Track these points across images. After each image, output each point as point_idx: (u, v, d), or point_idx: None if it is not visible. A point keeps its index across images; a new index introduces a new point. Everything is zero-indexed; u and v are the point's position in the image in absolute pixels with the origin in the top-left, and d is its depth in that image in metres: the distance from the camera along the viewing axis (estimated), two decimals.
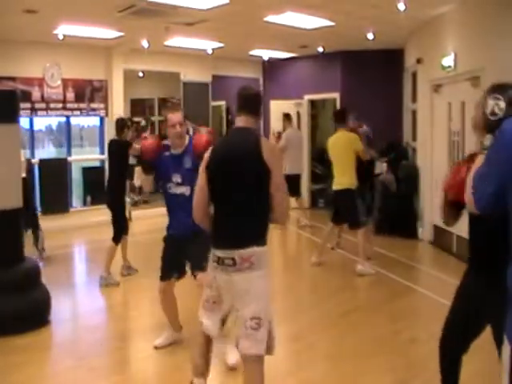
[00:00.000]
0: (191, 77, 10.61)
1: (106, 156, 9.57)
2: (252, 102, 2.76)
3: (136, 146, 5.74)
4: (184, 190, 3.72)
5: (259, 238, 2.61)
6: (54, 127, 12.63)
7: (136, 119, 6.83)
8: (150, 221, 8.85)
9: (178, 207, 3.79)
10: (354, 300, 5.34)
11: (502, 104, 1.73)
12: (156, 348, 3.98)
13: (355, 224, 6.12)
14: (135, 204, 10.73)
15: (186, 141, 3.84)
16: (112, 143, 6.00)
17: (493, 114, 1.72)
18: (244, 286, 2.57)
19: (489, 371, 3.66)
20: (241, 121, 2.74)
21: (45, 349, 4.21)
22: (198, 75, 10.69)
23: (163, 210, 7.31)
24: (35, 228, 6.73)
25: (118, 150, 5.80)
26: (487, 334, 4.36)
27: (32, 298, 4.46)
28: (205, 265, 3.12)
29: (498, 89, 1.77)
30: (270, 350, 2.59)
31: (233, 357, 3.51)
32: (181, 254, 3.84)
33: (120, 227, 5.89)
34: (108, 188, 6.10)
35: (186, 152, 3.78)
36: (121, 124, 5.94)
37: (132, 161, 6.15)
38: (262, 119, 2.90)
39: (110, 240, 5.86)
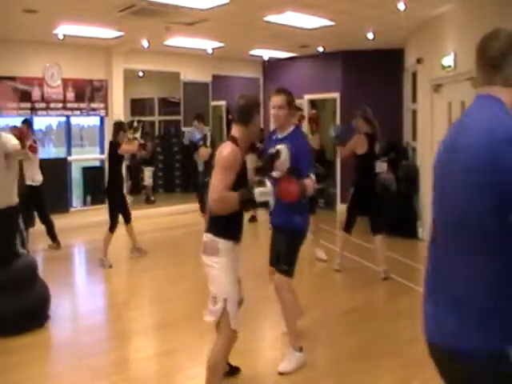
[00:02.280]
0: (191, 76, 10.61)
1: (105, 156, 9.62)
2: (240, 113, 3.10)
3: (124, 146, 6.49)
4: (275, 175, 3.57)
5: (214, 229, 3.06)
6: (54, 127, 12.63)
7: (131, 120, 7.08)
8: (151, 220, 8.86)
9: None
10: (354, 300, 5.34)
11: None
12: None
13: None
14: (147, 201, 10.98)
15: (291, 128, 3.82)
16: (109, 144, 6.64)
17: None
18: (206, 267, 3.11)
19: None
20: (232, 130, 3.14)
21: (44, 348, 4.21)
22: (198, 75, 10.69)
23: (166, 209, 7.36)
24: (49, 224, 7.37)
25: (111, 150, 6.52)
26: None
27: (30, 295, 4.46)
28: (285, 268, 3.69)
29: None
30: (225, 320, 3.02)
31: (282, 365, 3.69)
32: (275, 246, 3.90)
33: (114, 218, 6.54)
34: (106, 184, 6.78)
35: (286, 138, 3.74)
36: (116, 127, 6.62)
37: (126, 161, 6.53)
38: (257, 123, 3.17)
39: (107, 229, 6.56)
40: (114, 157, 6.50)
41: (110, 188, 6.66)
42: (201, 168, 7.07)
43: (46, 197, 7.39)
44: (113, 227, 6.53)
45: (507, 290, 1.54)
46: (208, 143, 6.88)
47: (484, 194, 1.53)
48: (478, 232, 1.56)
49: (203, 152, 6.82)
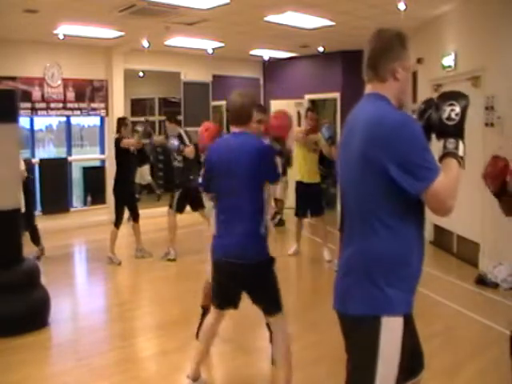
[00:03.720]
0: (192, 76, 10.61)
1: (106, 156, 9.66)
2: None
3: (126, 140, 6.55)
4: None
5: None
6: (55, 127, 12.63)
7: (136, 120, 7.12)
8: (151, 220, 8.85)
9: None
10: None
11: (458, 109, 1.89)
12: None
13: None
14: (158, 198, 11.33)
15: None
16: (115, 140, 6.76)
17: (449, 119, 1.88)
18: None
19: (493, 370, 3.67)
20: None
21: (45, 349, 4.21)
22: (199, 75, 10.69)
23: (166, 209, 7.32)
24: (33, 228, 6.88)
25: (115, 145, 6.67)
26: (492, 333, 4.36)
27: (32, 299, 4.45)
28: None
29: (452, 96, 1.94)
30: None
31: None
32: None
33: (118, 214, 6.64)
34: (114, 180, 6.84)
35: None
36: (119, 123, 6.80)
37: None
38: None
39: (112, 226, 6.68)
40: (118, 152, 6.60)
41: (115, 184, 6.73)
42: (181, 164, 6.83)
43: (47, 197, 7.41)
44: (118, 223, 6.62)
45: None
46: (187, 142, 6.74)
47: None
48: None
49: (189, 152, 6.65)
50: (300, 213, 6.78)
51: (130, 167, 6.84)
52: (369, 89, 1.96)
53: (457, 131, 1.87)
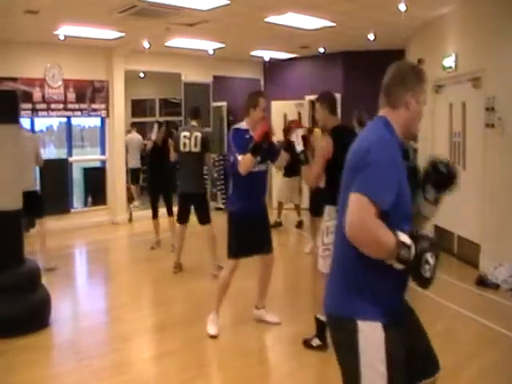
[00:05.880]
0: (192, 77, 10.62)
1: (106, 156, 9.66)
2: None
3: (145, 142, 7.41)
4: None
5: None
6: (55, 128, 12.63)
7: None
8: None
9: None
10: None
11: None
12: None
13: None
14: None
15: None
16: None
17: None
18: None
19: (493, 371, 3.67)
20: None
21: (46, 350, 4.21)
22: (199, 76, 10.70)
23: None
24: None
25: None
26: (493, 334, 4.36)
27: (32, 300, 4.45)
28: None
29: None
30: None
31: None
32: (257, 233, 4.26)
33: (152, 206, 7.37)
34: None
35: None
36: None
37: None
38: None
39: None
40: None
41: (149, 176, 7.52)
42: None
43: (47, 198, 7.40)
44: (154, 215, 7.29)
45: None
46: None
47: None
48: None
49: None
50: (316, 212, 6.81)
51: (165, 168, 7.31)
52: (380, 113, 2.05)
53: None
